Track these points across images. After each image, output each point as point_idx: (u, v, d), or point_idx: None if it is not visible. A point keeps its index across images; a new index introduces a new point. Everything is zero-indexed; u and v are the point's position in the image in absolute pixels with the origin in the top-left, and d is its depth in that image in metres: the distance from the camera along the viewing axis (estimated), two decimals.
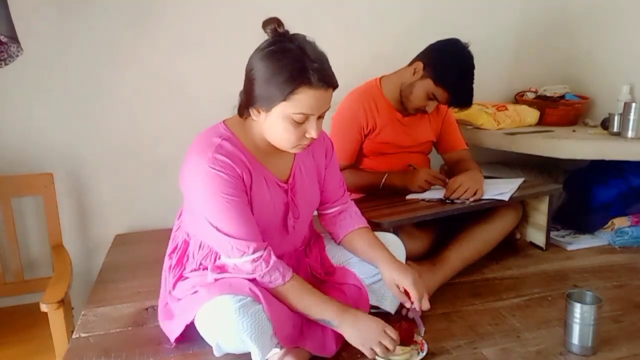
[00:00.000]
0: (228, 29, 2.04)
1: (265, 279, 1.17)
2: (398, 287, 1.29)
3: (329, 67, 1.16)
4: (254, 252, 1.16)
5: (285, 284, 1.19)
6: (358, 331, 1.18)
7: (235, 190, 1.17)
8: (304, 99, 1.11)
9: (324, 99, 1.14)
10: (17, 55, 1.64)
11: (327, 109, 1.18)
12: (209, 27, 2.04)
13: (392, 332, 1.17)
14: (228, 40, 2.03)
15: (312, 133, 1.16)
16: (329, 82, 1.13)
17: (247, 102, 1.18)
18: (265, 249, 1.19)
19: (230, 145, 1.19)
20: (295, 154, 1.32)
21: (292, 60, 1.10)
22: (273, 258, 1.19)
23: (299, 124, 1.14)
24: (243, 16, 1.94)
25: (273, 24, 1.14)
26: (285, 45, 1.12)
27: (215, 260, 1.26)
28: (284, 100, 1.11)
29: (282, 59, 1.10)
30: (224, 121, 1.25)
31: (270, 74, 1.11)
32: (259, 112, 1.17)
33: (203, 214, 1.18)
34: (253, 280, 1.17)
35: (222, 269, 1.21)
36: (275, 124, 1.15)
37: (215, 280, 1.19)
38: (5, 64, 1.65)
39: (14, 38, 1.56)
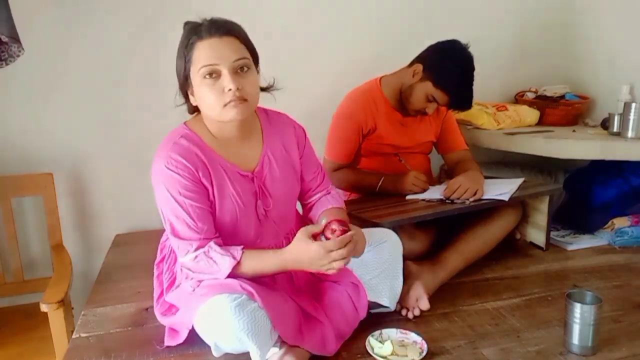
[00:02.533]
0: None
1: (221, 272, 1.18)
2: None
3: (226, 20, 1.19)
4: (195, 250, 1.19)
5: (241, 262, 1.19)
6: (305, 264, 1.19)
7: (188, 191, 1.19)
8: (200, 54, 1.15)
9: (224, 47, 1.15)
10: (19, 55, 1.64)
11: (240, 59, 1.16)
12: None
13: (337, 253, 1.15)
14: None
15: (229, 85, 1.14)
16: (221, 29, 1.16)
17: (181, 89, 1.24)
18: (206, 245, 1.20)
19: (187, 141, 1.22)
20: (263, 142, 1.31)
21: (188, 28, 1.18)
22: (213, 248, 1.20)
23: (214, 80, 1.16)
24: (243, 17, 1.93)
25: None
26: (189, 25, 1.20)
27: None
28: (188, 63, 1.17)
29: (183, 33, 1.20)
30: (185, 122, 1.29)
31: (178, 49, 1.20)
32: (192, 95, 1.22)
33: (160, 212, 1.22)
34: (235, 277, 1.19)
35: (189, 277, 1.25)
36: (199, 95, 1.19)
37: (194, 289, 1.22)
38: (6, 64, 1.65)
39: (15, 38, 1.56)
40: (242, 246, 1.22)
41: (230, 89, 1.15)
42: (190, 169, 1.19)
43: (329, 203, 1.41)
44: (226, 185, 1.24)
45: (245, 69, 1.18)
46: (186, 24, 1.22)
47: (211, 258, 1.19)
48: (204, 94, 1.17)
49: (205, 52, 1.14)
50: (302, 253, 1.18)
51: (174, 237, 1.21)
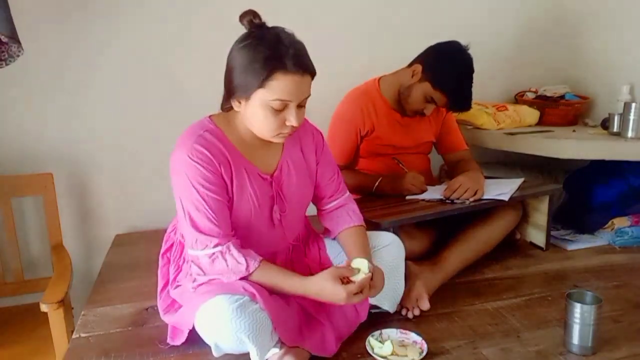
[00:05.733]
0: (227, 29, 2.01)
1: (227, 273, 1.18)
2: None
3: (306, 54, 1.16)
4: (214, 247, 1.18)
5: (253, 274, 1.19)
6: (324, 298, 1.19)
7: (210, 184, 1.18)
8: (280, 85, 1.12)
9: (301, 85, 1.14)
10: (18, 55, 1.64)
11: (307, 97, 1.18)
12: (208, 27, 2.04)
13: (357, 297, 1.16)
14: (227, 40, 2.01)
15: (292, 121, 1.16)
16: (304, 67, 1.14)
17: (228, 93, 1.20)
18: (225, 244, 1.19)
19: (212, 136, 1.21)
20: (283, 148, 1.32)
21: (266, 47, 1.12)
22: (232, 250, 1.19)
23: (278, 111, 1.15)
24: None
25: (249, 16, 1.16)
26: (261, 35, 1.14)
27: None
28: (261, 87, 1.12)
29: (257, 46, 1.12)
30: (210, 115, 1.27)
31: (247, 62, 1.13)
32: (239, 103, 1.18)
33: (179, 202, 1.21)
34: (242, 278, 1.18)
35: (192, 276, 1.24)
36: (255, 113, 1.16)
37: (194, 288, 1.22)
38: (6, 64, 1.65)
39: (14, 38, 1.56)
40: (260, 258, 1.22)
41: (292, 124, 1.17)
42: (213, 162, 1.18)
43: (351, 220, 1.39)
44: (246, 185, 1.24)
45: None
46: (251, 24, 1.15)
47: (226, 260, 1.18)
48: (262, 117, 1.16)
49: (287, 87, 1.12)
50: (327, 291, 1.17)
51: (194, 230, 1.18)
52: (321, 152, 1.39)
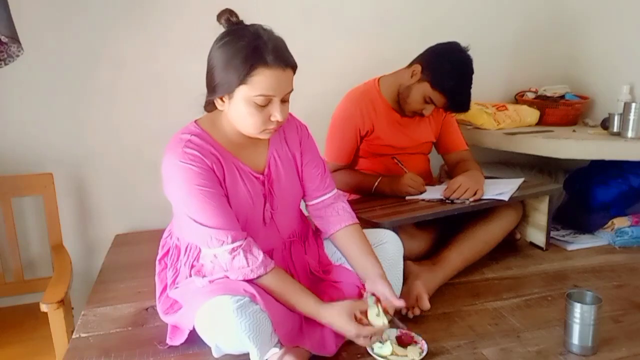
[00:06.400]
0: None
1: (246, 271, 1.18)
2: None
3: (286, 49, 1.17)
4: (232, 241, 1.17)
5: (268, 274, 1.19)
6: (335, 329, 1.20)
7: (208, 182, 1.18)
8: (262, 80, 1.12)
9: (283, 79, 1.15)
10: (18, 55, 1.64)
11: (290, 91, 1.19)
12: (207, 27, 2.02)
13: (365, 340, 1.18)
14: None
15: (277, 116, 1.16)
16: (285, 61, 1.14)
17: (211, 92, 1.20)
18: (244, 239, 1.19)
19: (200, 140, 1.21)
20: (269, 144, 1.32)
21: (246, 44, 1.12)
22: (254, 249, 1.19)
23: (262, 107, 1.15)
24: (243, 17, 1.94)
25: (226, 15, 1.17)
26: (239, 32, 1.15)
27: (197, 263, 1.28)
28: (243, 83, 1.12)
29: (236, 43, 1.13)
30: (195, 120, 1.27)
31: (227, 59, 1.13)
32: (222, 101, 1.18)
33: (181, 208, 1.20)
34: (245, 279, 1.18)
35: (201, 272, 1.23)
36: (240, 110, 1.16)
37: (203, 286, 1.21)
38: (6, 64, 1.65)
39: (14, 38, 1.57)
40: (273, 262, 1.22)
41: (276, 120, 1.17)
42: (205, 162, 1.18)
43: (343, 220, 1.37)
44: (239, 183, 1.24)
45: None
46: (229, 23, 1.17)
47: (247, 258, 1.18)
48: (246, 113, 1.16)
49: (269, 81, 1.12)
50: (337, 324, 1.18)
51: (205, 227, 1.17)
52: (305, 143, 1.38)
